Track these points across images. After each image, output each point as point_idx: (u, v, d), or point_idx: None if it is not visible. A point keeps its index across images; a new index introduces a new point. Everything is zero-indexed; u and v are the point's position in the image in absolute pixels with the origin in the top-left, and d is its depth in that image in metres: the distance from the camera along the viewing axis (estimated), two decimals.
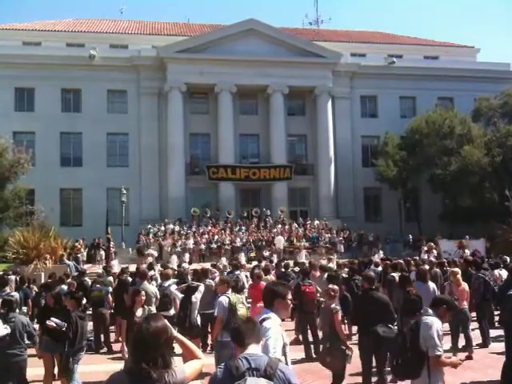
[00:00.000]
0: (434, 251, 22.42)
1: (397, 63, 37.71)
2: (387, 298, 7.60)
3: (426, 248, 23.24)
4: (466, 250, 22.28)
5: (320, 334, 10.04)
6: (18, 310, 10.34)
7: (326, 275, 11.33)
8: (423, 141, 32.14)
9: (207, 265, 17.49)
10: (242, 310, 7.38)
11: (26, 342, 7.20)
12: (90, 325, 10.98)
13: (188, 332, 8.14)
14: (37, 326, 9.21)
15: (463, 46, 47.03)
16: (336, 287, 8.07)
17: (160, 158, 34.47)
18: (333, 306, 7.46)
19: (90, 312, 11.90)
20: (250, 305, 10.93)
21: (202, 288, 9.91)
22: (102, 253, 25.76)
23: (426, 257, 20.10)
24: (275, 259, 22.86)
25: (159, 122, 34.79)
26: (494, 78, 37.05)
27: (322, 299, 10.37)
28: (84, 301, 8.88)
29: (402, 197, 34.60)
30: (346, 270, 13.72)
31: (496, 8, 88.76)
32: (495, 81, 36.38)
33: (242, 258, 24.21)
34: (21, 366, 7.01)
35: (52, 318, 7.76)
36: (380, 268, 13.53)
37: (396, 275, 11.08)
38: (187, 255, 25.49)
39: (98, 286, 12.01)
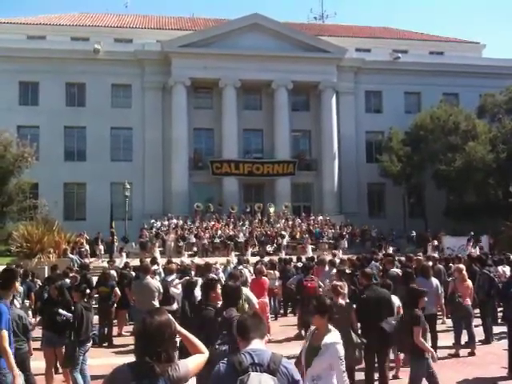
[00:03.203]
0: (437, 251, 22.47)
1: (402, 59, 37.59)
2: (388, 293, 7.56)
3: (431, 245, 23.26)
4: (472, 248, 22.29)
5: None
6: (18, 304, 10.42)
7: (334, 270, 11.33)
8: (428, 137, 32.04)
9: (210, 259, 17.51)
10: None
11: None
12: (95, 318, 11.08)
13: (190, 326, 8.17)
14: (38, 319, 9.24)
15: (469, 42, 46.77)
16: (341, 283, 8.06)
17: (164, 153, 34.50)
18: (345, 303, 7.45)
19: (96, 306, 11.97)
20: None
21: (200, 282, 9.94)
22: (101, 247, 25.80)
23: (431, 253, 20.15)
24: (283, 254, 22.98)
25: (163, 116, 34.78)
26: (499, 74, 36.85)
27: (326, 288, 10.32)
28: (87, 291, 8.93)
29: (406, 193, 34.53)
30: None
31: (502, 4, 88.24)
32: (501, 77, 36.18)
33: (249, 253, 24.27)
34: (22, 358, 7.00)
35: (60, 310, 7.82)
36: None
37: (398, 271, 11.03)
38: (194, 249, 25.52)
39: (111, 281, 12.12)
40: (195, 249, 25.41)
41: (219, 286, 5.91)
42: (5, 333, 5.24)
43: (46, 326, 8.07)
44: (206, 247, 27.16)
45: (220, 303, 5.69)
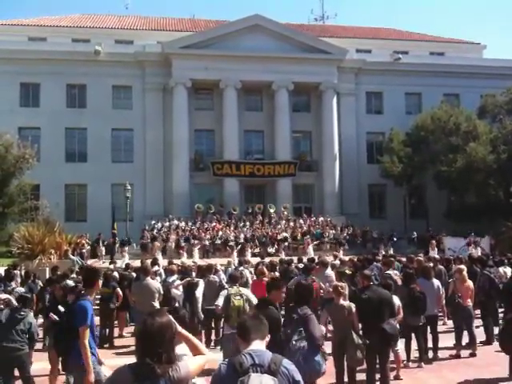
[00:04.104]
0: (436, 249, 22.45)
1: (402, 59, 37.58)
2: (389, 293, 7.56)
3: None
4: (473, 249, 22.27)
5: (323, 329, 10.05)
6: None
7: (329, 270, 11.32)
8: (429, 137, 32.02)
9: (211, 261, 17.52)
10: (236, 302, 7.42)
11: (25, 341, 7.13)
12: (96, 319, 11.08)
13: (191, 327, 8.17)
14: (41, 321, 9.24)
15: (469, 43, 46.77)
16: (343, 284, 8.06)
17: (165, 154, 34.50)
18: (346, 303, 7.44)
19: (97, 307, 11.95)
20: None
21: (201, 283, 9.95)
22: (102, 248, 25.81)
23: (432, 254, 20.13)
24: (283, 255, 22.98)
25: (164, 117, 34.81)
26: (500, 74, 36.84)
27: (327, 289, 10.32)
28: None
29: (407, 194, 34.51)
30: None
31: (503, 4, 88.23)
32: (501, 77, 36.16)
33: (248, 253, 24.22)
34: (22, 361, 7.01)
35: (59, 307, 7.82)
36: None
37: (392, 273, 11.02)
38: (196, 251, 25.50)
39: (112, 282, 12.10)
40: (197, 250, 25.41)
41: (284, 288, 6.07)
42: (87, 329, 5.33)
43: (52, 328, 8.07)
44: (206, 248, 27.15)
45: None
